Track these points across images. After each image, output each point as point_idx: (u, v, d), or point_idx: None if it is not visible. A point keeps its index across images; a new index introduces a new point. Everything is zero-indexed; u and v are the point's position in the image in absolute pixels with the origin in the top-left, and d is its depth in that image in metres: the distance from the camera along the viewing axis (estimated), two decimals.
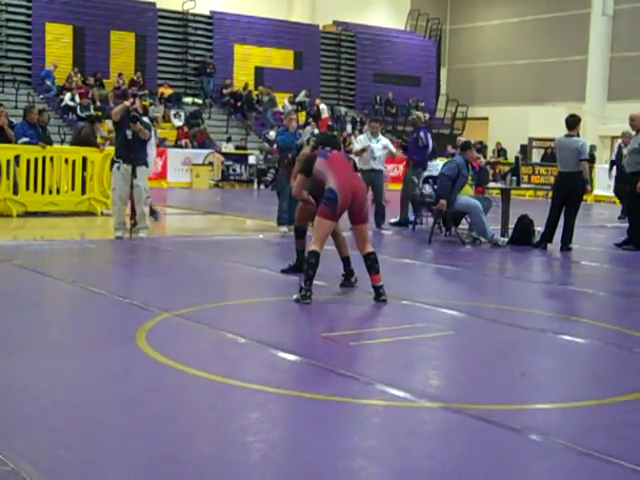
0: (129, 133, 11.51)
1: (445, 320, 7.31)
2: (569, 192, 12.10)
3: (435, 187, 12.91)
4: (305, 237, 8.94)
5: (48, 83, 27.61)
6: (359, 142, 14.63)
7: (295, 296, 7.57)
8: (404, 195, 14.84)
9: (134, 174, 11.54)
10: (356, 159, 14.27)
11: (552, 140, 17.63)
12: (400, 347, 6.29)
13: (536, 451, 4.22)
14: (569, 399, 5.13)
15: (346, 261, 8.42)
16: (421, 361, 5.97)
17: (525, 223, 12.78)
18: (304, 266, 7.79)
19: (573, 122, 12.18)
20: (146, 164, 11.84)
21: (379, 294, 7.70)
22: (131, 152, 11.53)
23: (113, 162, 12.00)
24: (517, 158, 15.74)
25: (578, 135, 12.33)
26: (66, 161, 14.87)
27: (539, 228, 12.61)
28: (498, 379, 5.57)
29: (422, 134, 14.57)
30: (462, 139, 17.33)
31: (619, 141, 20.34)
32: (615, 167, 19.37)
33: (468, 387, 5.33)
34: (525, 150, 35.36)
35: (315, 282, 8.51)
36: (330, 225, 7.72)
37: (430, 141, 14.84)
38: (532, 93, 37.12)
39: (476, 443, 4.26)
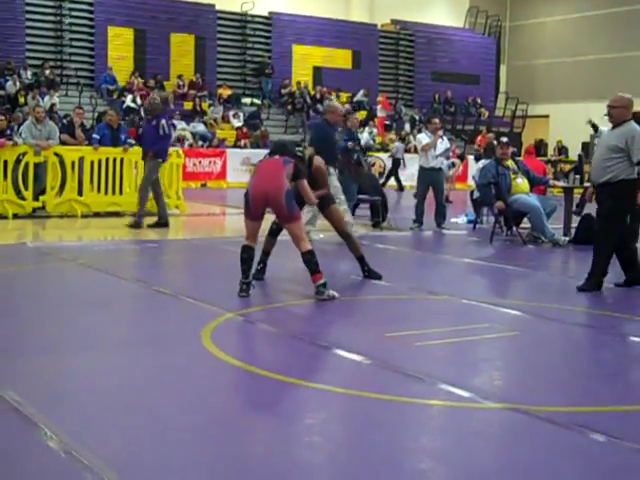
0: None
1: (508, 320, 7.26)
2: None
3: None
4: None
5: (107, 87, 27.94)
6: (419, 142, 14.54)
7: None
8: (141, 188, 13.54)
9: None
10: (420, 156, 14.26)
11: None
12: (465, 347, 6.27)
13: (603, 452, 4.17)
14: (637, 401, 5.06)
15: (361, 260, 8.86)
16: (486, 361, 5.94)
17: (588, 222, 12.60)
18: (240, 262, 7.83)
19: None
20: None
21: (319, 292, 7.62)
22: None
23: None
24: (580, 156, 15.55)
25: None
26: (126, 162, 15.05)
27: None
28: (563, 379, 5.52)
29: (164, 121, 13.32)
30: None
31: None
32: None
33: (533, 388, 5.28)
34: (587, 147, 34.80)
35: (378, 282, 8.59)
36: (248, 223, 7.82)
37: (172, 130, 13.57)
38: (594, 89, 36.50)
39: (542, 444, 4.22)
